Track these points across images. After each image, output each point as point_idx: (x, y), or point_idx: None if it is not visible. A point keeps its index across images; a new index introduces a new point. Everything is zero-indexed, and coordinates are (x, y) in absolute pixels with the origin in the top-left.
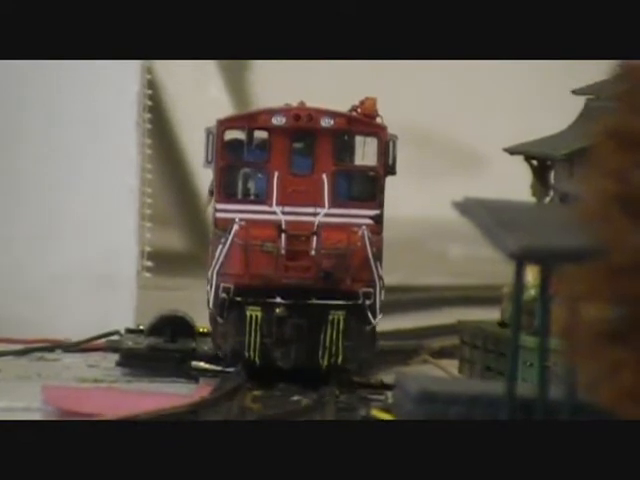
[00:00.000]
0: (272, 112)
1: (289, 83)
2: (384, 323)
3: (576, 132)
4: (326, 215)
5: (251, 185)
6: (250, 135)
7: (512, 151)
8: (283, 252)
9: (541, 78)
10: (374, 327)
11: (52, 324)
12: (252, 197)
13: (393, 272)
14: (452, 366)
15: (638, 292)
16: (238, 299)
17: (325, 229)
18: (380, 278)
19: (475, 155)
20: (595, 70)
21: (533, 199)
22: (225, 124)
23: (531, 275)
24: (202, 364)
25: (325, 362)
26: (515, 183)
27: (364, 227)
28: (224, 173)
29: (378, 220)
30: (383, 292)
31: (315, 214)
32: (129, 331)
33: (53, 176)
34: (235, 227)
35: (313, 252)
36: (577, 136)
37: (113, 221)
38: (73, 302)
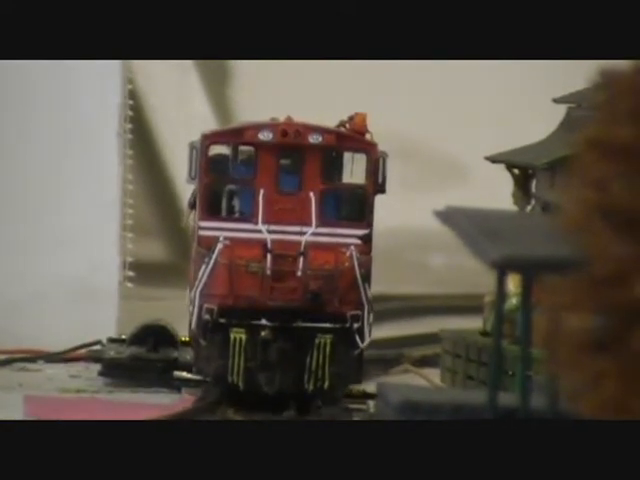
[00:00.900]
0: (259, 127)
1: (273, 95)
2: None
3: (558, 141)
4: (313, 234)
5: (236, 202)
6: (235, 151)
7: (494, 160)
8: (269, 272)
9: (523, 87)
10: (362, 352)
11: (34, 336)
12: (237, 215)
13: (374, 282)
14: (434, 375)
15: (620, 302)
16: (222, 321)
17: (312, 249)
18: (369, 300)
19: (456, 164)
20: (578, 78)
21: (515, 208)
22: (210, 139)
23: (513, 284)
24: (185, 374)
25: (311, 387)
26: (497, 192)
27: (352, 247)
28: (208, 190)
29: (367, 240)
30: (372, 315)
31: (302, 233)
32: (111, 341)
33: (32, 188)
34: (219, 246)
35: (300, 273)
36: (559, 145)
37: (94, 232)
38: (55, 314)
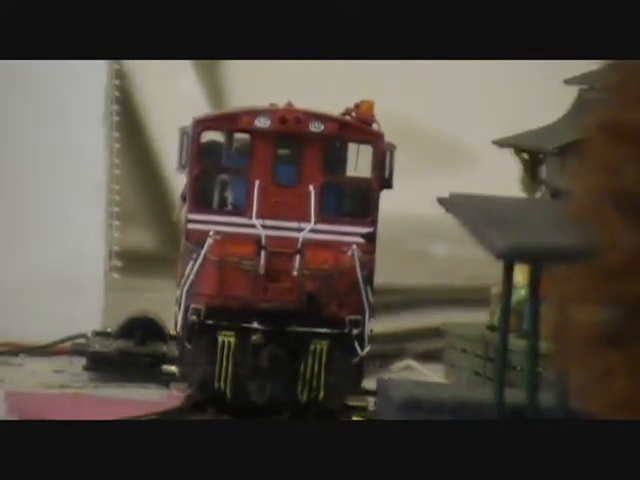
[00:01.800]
0: (255, 113)
1: (273, 77)
2: None
3: (569, 124)
4: (312, 231)
5: (229, 194)
6: (230, 138)
7: (501, 144)
8: (262, 271)
9: (531, 68)
10: (362, 360)
11: (16, 329)
12: (229, 208)
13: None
14: (437, 371)
15: (632, 294)
16: (210, 322)
17: (310, 247)
18: (370, 305)
19: (460, 148)
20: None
21: (523, 195)
22: (202, 124)
23: (521, 275)
24: (174, 368)
25: (305, 397)
26: (504, 178)
27: (354, 246)
28: (199, 180)
29: (371, 239)
30: (372, 320)
31: (299, 230)
32: (97, 334)
33: (13, 173)
34: (209, 241)
35: (296, 272)
36: (570, 128)
37: (79, 219)
38: (37, 305)
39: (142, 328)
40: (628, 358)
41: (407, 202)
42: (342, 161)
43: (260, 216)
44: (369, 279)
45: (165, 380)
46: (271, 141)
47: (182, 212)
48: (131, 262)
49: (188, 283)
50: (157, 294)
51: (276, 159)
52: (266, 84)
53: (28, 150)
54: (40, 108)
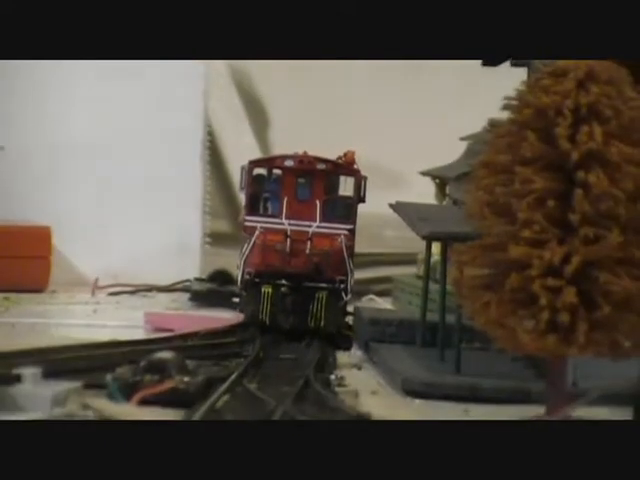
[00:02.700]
0: (285, 157)
1: (297, 136)
2: None
3: (463, 162)
4: (317, 227)
5: (269, 205)
6: (270, 172)
7: (424, 174)
8: (288, 250)
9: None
10: (345, 302)
11: (152, 278)
12: (269, 213)
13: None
14: (388, 302)
15: (500, 260)
16: (257, 280)
17: (316, 236)
18: (351, 270)
19: (402, 176)
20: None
21: (437, 203)
22: (253, 164)
23: (435, 248)
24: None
25: (312, 325)
26: (426, 193)
27: (342, 236)
28: (251, 197)
29: (352, 232)
30: (352, 280)
31: (310, 226)
32: (196, 279)
33: (142, 185)
34: (257, 233)
35: (307, 251)
36: (463, 164)
37: (188, 215)
38: (165, 264)
39: (222, 276)
40: (497, 296)
41: (371, 206)
42: (336, 186)
43: (287, 218)
44: (351, 255)
45: (234, 306)
46: (294, 174)
47: (242, 215)
48: (216, 239)
49: (244, 257)
50: (230, 258)
51: (297, 185)
52: (294, 139)
53: (153, 170)
54: (159, 144)
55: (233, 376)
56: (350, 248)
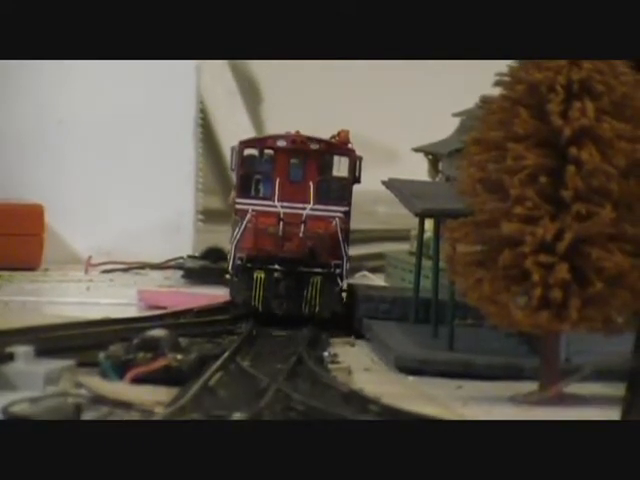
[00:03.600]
0: (277, 137)
1: (290, 114)
2: None
3: (455, 138)
4: (311, 209)
5: (261, 187)
6: (261, 152)
7: (416, 150)
8: (281, 234)
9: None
10: (341, 288)
11: (144, 255)
12: (261, 195)
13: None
14: (380, 278)
15: (491, 237)
16: (249, 265)
17: (310, 219)
18: (347, 254)
19: (396, 152)
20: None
21: (429, 179)
22: (244, 144)
23: (428, 225)
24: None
25: (307, 311)
26: (419, 170)
27: (337, 218)
28: (243, 178)
29: (347, 214)
30: (349, 264)
31: (304, 208)
32: (189, 256)
33: (142, 166)
34: (248, 215)
35: (301, 234)
36: (456, 141)
37: (181, 193)
38: (157, 241)
39: (214, 253)
40: (490, 273)
41: (364, 183)
42: (330, 167)
43: (280, 200)
44: (346, 238)
45: (226, 284)
46: (287, 155)
47: (232, 196)
48: (209, 216)
49: (236, 241)
50: (223, 235)
51: (290, 166)
52: (287, 117)
53: (150, 153)
54: (154, 125)
55: (226, 353)
56: (345, 231)
